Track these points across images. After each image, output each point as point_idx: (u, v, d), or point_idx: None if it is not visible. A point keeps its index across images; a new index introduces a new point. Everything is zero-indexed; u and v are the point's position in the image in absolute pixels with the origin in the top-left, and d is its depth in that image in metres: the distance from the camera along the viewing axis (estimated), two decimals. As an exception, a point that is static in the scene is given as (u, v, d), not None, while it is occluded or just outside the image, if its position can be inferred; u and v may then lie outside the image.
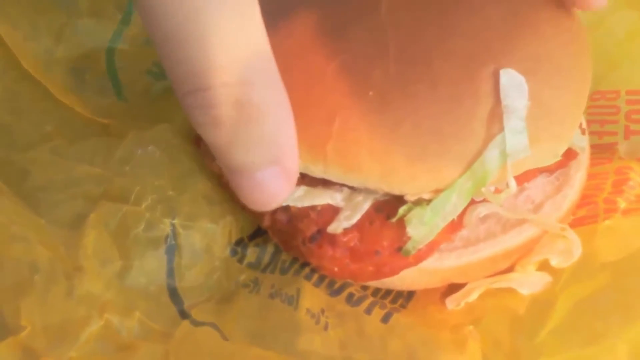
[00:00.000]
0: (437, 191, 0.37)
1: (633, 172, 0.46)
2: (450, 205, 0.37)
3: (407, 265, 0.39)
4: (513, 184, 0.37)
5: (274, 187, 0.29)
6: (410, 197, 0.38)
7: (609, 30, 0.53)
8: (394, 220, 0.38)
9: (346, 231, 0.39)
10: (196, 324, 0.40)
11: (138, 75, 0.56)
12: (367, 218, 0.39)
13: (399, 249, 0.38)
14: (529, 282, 0.42)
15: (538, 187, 0.43)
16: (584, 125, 0.47)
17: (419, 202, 0.38)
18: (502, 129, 0.36)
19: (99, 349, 0.37)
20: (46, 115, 0.52)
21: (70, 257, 0.39)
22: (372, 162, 0.36)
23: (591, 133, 0.51)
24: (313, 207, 0.39)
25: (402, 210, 0.38)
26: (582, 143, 0.44)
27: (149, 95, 0.56)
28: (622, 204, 0.44)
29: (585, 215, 0.45)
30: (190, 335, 0.38)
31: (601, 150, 0.50)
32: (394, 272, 0.39)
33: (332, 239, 0.39)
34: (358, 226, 0.39)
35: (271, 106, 0.27)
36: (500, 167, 0.36)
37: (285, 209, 0.40)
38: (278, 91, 0.27)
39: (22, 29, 0.55)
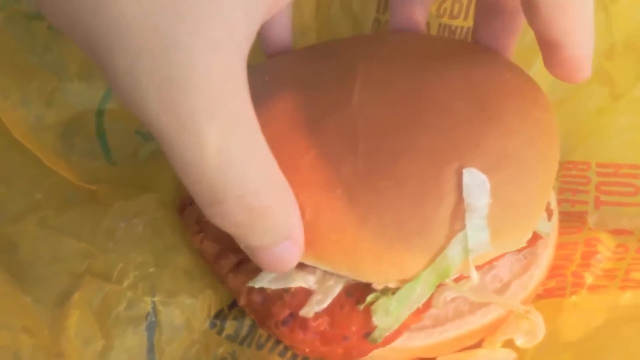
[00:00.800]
0: (403, 281, 0.39)
1: (601, 244, 0.48)
2: (415, 295, 0.39)
3: (375, 348, 0.41)
4: (475, 275, 0.39)
5: (289, 256, 0.35)
6: (377, 286, 0.40)
7: (580, 102, 0.54)
8: (361, 307, 0.40)
9: (317, 315, 0.41)
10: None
11: (127, 135, 0.58)
12: (337, 302, 0.41)
13: (367, 334, 0.40)
14: (495, 358, 0.44)
15: (506, 265, 0.45)
16: (553, 203, 0.48)
17: (385, 292, 0.40)
18: (464, 227, 0.38)
19: None
20: (35, 183, 0.53)
21: (53, 340, 0.41)
22: (341, 255, 0.38)
23: (564, 201, 0.53)
24: (287, 290, 0.41)
25: (369, 298, 0.40)
26: (547, 229, 0.46)
27: (138, 157, 0.58)
28: (589, 279, 0.45)
29: (554, 287, 0.47)
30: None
31: (572, 219, 0.52)
32: (363, 354, 0.41)
33: (304, 323, 0.40)
34: (329, 310, 0.41)
35: (278, 202, 0.34)
36: (462, 261, 0.38)
37: (260, 290, 0.42)
38: (281, 187, 0.34)
39: (12, 98, 0.56)
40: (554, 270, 0.47)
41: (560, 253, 0.48)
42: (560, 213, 0.50)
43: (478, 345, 0.45)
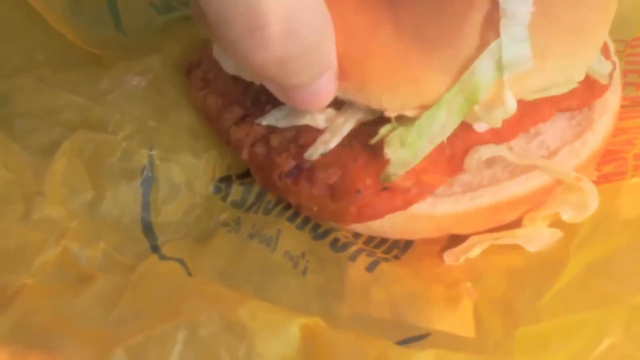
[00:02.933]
0: (423, 107, 0.33)
1: (669, 127, 0.42)
2: (439, 125, 0.33)
3: (394, 208, 0.36)
4: (511, 102, 0.33)
5: (328, 89, 0.33)
6: (391, 113, 0.34)
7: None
8: (373, 141, 0.34)
9: (326, 165, 0.35)
10: (163, 258, 0.38)
11: (139, 6, 0.54)
12: (350, 153, 0.35)
13: (384, 188, 0.35)
14: (537, 238, 0.39)
15: (555, 131, 0.39)
16: (612, 51, 0.41)
17: (402, 122, 0.34)
18: (498, 35, 0.31)
19: (56, 277, 0.36)
20: (38, 43, 0.50)
21: (36, 182, 0.37)
22: (350, 70, 0.32)
23: (628, 84, 0.47)
24: (294, 140, 0.36)
25: (383, 130, 0.34)
26: (605, 69, 0.39)
27: (150, 29, 0.54)
28: (653, 161, 0.40)
29: (611, 172, 0.42)
30: (153, 269, 0.36)
31: (635, 103, 0.46)
32: (378, 214, 0.36)
33: (310, 175, 0.36)
34: (340, 162, 0.35)
35: (323, 30, 0.31)
36: (495, 81, 0.32)
37: (264, 142, 0.38)
38: (324, 14, 0.31)
39: (21, -47, 0.52)
40: (613, 155, 0.41)
41: (621, 138, 0.42)
42: (624, 98, 0.44)
43: (517, 224, 0.39)
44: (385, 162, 0.35)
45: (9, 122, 0.43)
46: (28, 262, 0.36)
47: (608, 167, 0.42)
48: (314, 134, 0.37)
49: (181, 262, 0.37)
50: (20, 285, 0.35)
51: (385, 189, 0.35)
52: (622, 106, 0.44)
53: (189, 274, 0.37)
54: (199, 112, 0.43)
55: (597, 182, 0.40)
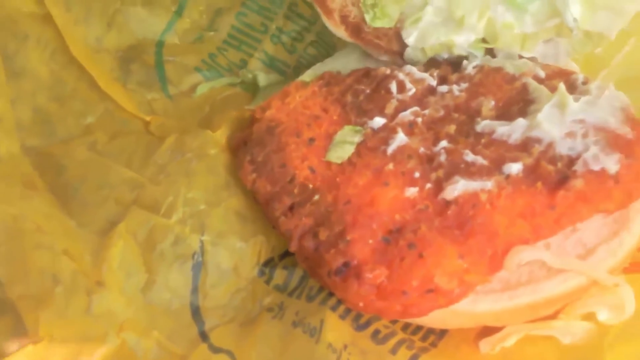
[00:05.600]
0: None
1: None
2: None
3: (437, 307, 0.38)
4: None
5: None
6: None
7: None
8: None
9: (374, 267, 0.38)
10: (214, 350, 0.40)
11: (185, 71, 0.57)
12: (396, 251, 0.37)
13: (429, 291, 0.37)
14: (572, 331, 0.40)
15: (592, 229, 0.41)
16: None
17: None
18: None
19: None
20: (89, 106, 0.53)
21: (95, 269, 0.40)
22: None
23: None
24: (342, 234, 0.39)
25: None
26: None
27: (195, 94, 0.56)
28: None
29: (646, 260, 0.43)
30: (205, 363, 0.38)
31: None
32: (422, 313, 0.39)
33: (359, 274, 0.38)
34: (387, 261, 0.38)
35: None
36: None
37: (313, 236, 0.40)
38: None
39: (75, 12, 0.56)
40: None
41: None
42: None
43: (553, 317, 0.41)
44: (429, 266, 0.37)
45: (64, 193, 0.45)
46: (89, 354, 0.38)
47: (641, 254, 0.43)
48: (363, 229, 0.38)
49: (230, 354, 0.39)
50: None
51: (430, 290, 0.37)
52: None
53: (239, 367, 0.39)
54: (248, 195, 0.45)
55: (629, 270, 0.41)
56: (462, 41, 0.49)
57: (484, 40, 0.48)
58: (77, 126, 0.51)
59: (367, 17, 0.49)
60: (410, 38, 0.49)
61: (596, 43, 0.48)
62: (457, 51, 0.49)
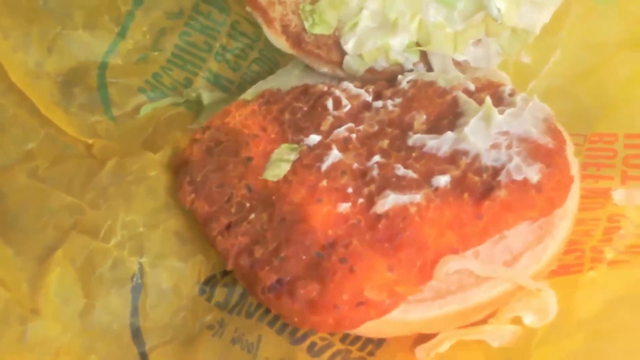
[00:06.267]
0: None
1: (626, 220, 0.45)
2: None
3: (368, 319, 0.40)
4: None
5: None
6: None
7: (611, 70, 0.52)
8: None
9: (306, 282, 0.39)
10: (151, 372, 0.41)
11: (129, 92, 0.57)
12: (330, 268, 0.39)
13: (360, 304, 0.39)
14: (501, 334, 0.43)
15: (519, 235, 0.44)
16: (571, 149, 0.47)
17: None
18: None
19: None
20: (30, 132, 0.53)
21: (31, 297, 0.40)
22: None
23: (587, 177, 0.51)
24: (276, 252, 0.40)
25: None
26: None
27: (139, 115, 0.57)
28: (609, 254, 0.43)
29: (570, 264, 0.45)
30: (142, 386, 0.39)
31: (595, 195, 0.50)
32: (355, 325, 0.40)
33: (291, 290, 0.39)
34: (319, 277, 0.39)
35: None
36: None
37: (249, 254, 0.41)
38: None
39: (13, 39, 0.56)
40: (572, 246, 0.45)
41: (580, 229, 0.46)
42: (583, 189, 0.48)
43: (484, 322, 0.43)
44: (359, 280, 0.39)
45: (3, 221, 0.45)
46: (24, 385, 0.38)
47: (568, 257, 0.45)
48: (296, 246, 0.40)
49: (170, 375, 0.40)
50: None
51: (361, 303, 0.39)
52: (582, 196, 0.47)
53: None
54: (187, 215, 0.47)
55: (557, 272, 0.44)
56: (398, 44, 0.51)
57: (417, 44, 0.50)
58: (17, 152, 0.51)
59: (307, 25, 0.51)
60: (349, 44, 0.51)
61: (523, 40, 0.50)
62: (393, 56, 0.50)
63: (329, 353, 0.42)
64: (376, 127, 0.48)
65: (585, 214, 0.47)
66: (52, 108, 0.54)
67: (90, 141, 0.53)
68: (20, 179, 0.48)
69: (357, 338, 0.45)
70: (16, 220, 0.45)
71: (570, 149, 0.48)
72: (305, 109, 0.50)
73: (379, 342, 0.45)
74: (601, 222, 0.47)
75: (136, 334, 0.44)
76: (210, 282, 0.47)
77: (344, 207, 0.44)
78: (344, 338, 0.45)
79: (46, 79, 0.56)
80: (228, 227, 0.44)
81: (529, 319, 0.42)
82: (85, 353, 0.40)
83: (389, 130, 0.48)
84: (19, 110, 0.53)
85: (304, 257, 0.42)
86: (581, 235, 0.46)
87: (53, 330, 0.40)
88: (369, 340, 0.45)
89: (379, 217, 0.43)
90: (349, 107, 0.50)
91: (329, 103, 0.50)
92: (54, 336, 0.40)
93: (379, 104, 0.50)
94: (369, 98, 0.51)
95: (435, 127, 0.48)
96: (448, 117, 0.48)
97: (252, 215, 0.44)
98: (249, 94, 0.55)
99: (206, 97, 0.58)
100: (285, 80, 0.55)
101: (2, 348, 0.39)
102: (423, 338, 0.44)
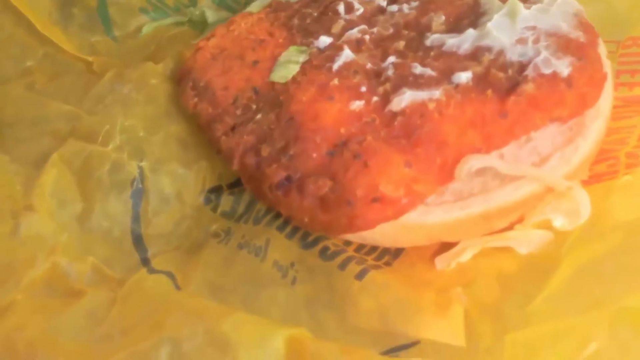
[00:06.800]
0: None
1: (662, 127, 0.42)
2: None
3: (384, 219, 0.37)
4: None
5: None
6: None
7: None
8: None
9: (317, 176, 0.36)
10: (152, 271, 0.38)
11: (131, 13, 0.55)
12: (340, 162, 0.36)
13: (374, 199, 0.36)
14: (529, 240, 0.40)
15: (546, 137, 0.40)
16: (604, 53, 0.43)
17: None
18: None
19: (46, 293, 0.36)
20: (28, 50, 0.51)
21: (25, 195, 0.38)
22: None
23: (620, 84, 0.47)
24: (284, 149, 0.37)
25: None
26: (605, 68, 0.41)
27: (140, 34, 0.54)
28: (647, 158, 0.40)
29: (604, 171, 0.42)
30: (141, 283, 0.37)
31: (628, 104, 0.47)
32: (369, 225, 0.37)
33: (301, 187, 0.37)
34: (330, 172, 0.37)
35: None
36: None
37: (255, 152, 0.38)
38: None
39: (9, -44, 0.53)
40: (605, 154, 0.42)
41: (613, 137, 0.43)
42: (616, 98, 0.45)
43: (509, 228, 0.40)
44: (374, 174, 0.36)
45: (0, 131, 0.43)
46: (17, 278, 0.37)
47: (600, 166, 0.42)
48: (306, 144, 0.38)
49: (170, 275, 0.38)
50: (9, 302, 0.35)
51: (375, 200, 0.36)
52: (615, 106, 0.44)
53: (178, 287, 0.38)
54: (190, 122, 0.44)
55: (588, 182, 0.41)
56: None
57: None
58: (15, 70, 0.49)
59: None
60: None
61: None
62: None
63: (342, 257, 0.40)
64: (391, 30, 0.45)
65: (620, 122, 0.44)
66: (50, 27, 0.52)
67: (90, 58, 0.50)
68: (16, 92, 0.46)
69: (373, 249, 0.42)
70: (11, 130, 0.43)
71: (602, 49, 0.44)
72: (315, 14, 0.47)
73: (397, 253, 0.43)
74: (636, 129, 0.44)
75: (137, 240, 0.42)
76: (215, 192, 0.44)
77: (357, 104, 0.41)
78: (358, 248, 0.42)
79: (44, -2, 0.53)
80: (233, 128, 0.42)
81: (559, 222, 0.39)
82: (82, 254, 0.39)
83: (405, 32, 0.45)
84: (17, 29, 0.51)
85: (314, 155, 0.39)
86: (614, 143, 0.43)
87: (48, 227, 0.39)
88: (385, 251, 0.43)
89: (394, 115, 0.40)
90: (361, 10, 0.47)
91: (341, 7, 0.47)
92: (48, 233, 0.38)
93: (394, 7, 0.47)
94: (384, 3, 0.48)
95: (455, 28, 0.45)
96: (469, 17, 0.45)
97: (259, 116, 0.42)
98: (254, 6, 0.52)
99: (211, 15, 0.55)
100: (294, -9, 0.52)
101: (-5, 240, 0.37)
102: (443, 248, 0.41)
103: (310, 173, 0.38)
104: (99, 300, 0.36)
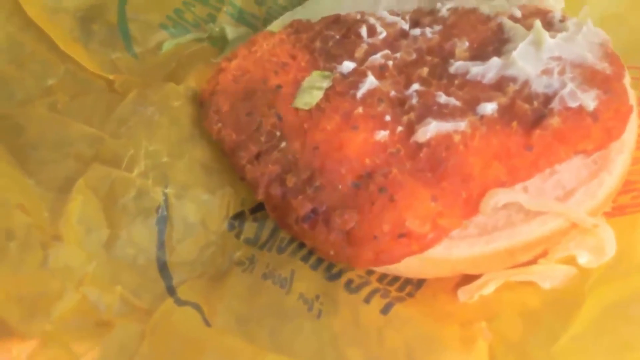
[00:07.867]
0: None
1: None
2: None
3: (410, 253, 0.37)
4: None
5: None
6: None
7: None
8: None
9: (343, 210, 0.37)
10: (179, 303, 0.39)
11: (151, 29, 0.55)
12: (367, 196, 0.36)
13: (401, 235, 0.36)
14: (552, 275, 0.40)
15: (571, 170, 0.40)
16: (629, 81, 0.43)
17: None
18: None
19: (76, 324, 0.37)
20: (49, 68, 0.51)
21: (52, 224, 0.39)
22: None
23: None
24: (310, 181, 0.38)
25: None
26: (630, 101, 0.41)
27: (161, 51, 0.55)
28: (672, 191, 0.40)
29: (627, 204, 0.42)
30: (170, 316, 0.37)
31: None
32: (395, 259, 0.37)
33: (327, 220, 0.37)
34: (357, 205, 0.37)
35: None
36: None
37: (280, 183, 0.39)
38: None
39: (28, -28, 0.53)
40: (629, 185, 0.42)
41: (638, 167, 0.43)
42: (640, 126, 0.45)
43: (532, 262, 0.40)
44: (401, 209, 0.36)
45: (23, 153, 0.44)
46: (47, 310, 0.37)
47: (624, 197, 0.43)
48: (331, 175, 0.38)
49: (197, 307, 0.39)
50: (40, 333, 0.36)
51: (402, 235, 0.36)
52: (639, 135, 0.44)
53: (205, 320, 0.38)
54: (213, 146, 0.44)
55: (612, 214, 0.41)
56: None
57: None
58: (37, 88, 0.50)
59: None
60: None
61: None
62: None
63: (367, 290, 0.40)
64: (414, 55, 0.46)
65: (645, 151, 0.44)
66: (71, 44, 0.52)
67: (111, 77, 0.51)
68: (40, 112, 0.46)
69: (396, 278, 0.43)
70: (35, 152, 0.43)
71: (627, 79, 0.44)
72: (337, 37, 0.48)
73: (419, 283, 0.43)
74: (663, 160, 0.44)
75: (163, 267, 0.42)
76: (239, 218, 0.45)
77: (382, 135, 0.41)
78: (381, 278, 0.42)
79: (64, 15, 0.54)
80: (257, 155, 0.42)
81: (583, 259, 0.40)
82: (111, 283, 0.39)
83: (429, 58, 0.45)
84: (38, 46, 0.51)
85: (340, 187, 0.39)
86: (638, 174, 0.43)
87: (76, 257, 0.39)
88: (407, 281, 0.43)
89: (420, 146, 0.40)
90: (384, 34, 0.47)
91: (363, 30, 0.47)
92: (77, 264, 0.39)
93: (416, 31, 0.47)
94: (406, 26, 0.48)
95: (479, 54, 0.45)
96: (493, 44, 0.45)
97: (283, 144, 0.42)
98: (275, 25, 0.52)
99: (230, 32, 0.55)
100: (315, 10, 0.53)
101: (25, 271, 0.37)
102: (465, 279, 0.42)
103: (335, 205, 0.39)
104: (129, 333, 0.37)
